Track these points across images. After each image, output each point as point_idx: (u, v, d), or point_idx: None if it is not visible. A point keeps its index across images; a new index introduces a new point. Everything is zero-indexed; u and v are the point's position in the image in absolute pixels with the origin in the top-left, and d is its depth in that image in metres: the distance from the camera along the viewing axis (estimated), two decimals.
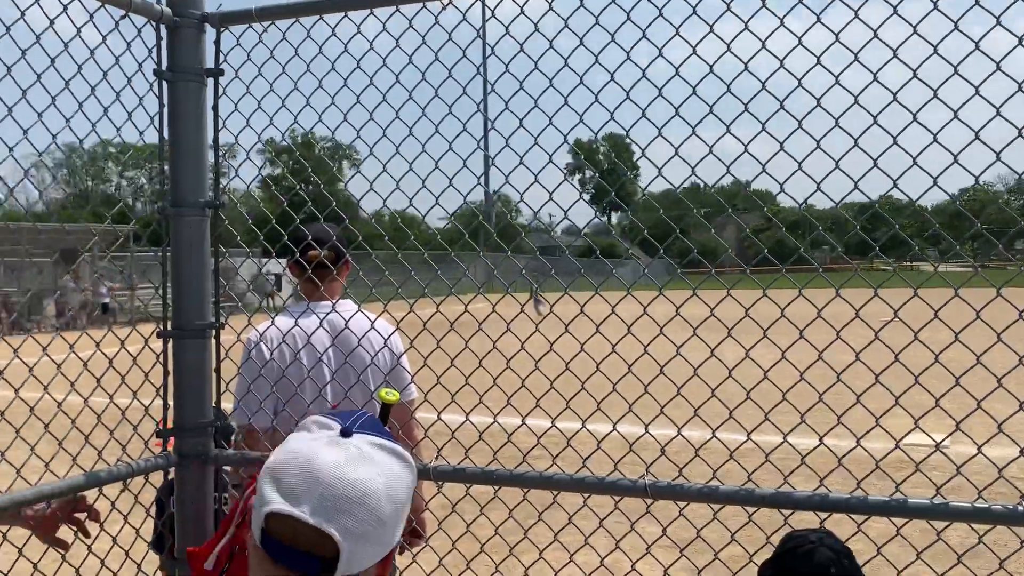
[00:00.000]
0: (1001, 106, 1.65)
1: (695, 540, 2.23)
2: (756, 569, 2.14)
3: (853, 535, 2.05)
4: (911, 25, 1.73)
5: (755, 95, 1.90)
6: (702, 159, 1.97)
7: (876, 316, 1.70)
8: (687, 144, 2.03)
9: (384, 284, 2.77)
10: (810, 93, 1.85)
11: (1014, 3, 1.75)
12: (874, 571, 2.06)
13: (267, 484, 1.14)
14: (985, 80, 1.67)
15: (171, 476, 2.40)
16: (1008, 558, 1.82)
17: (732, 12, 1.92)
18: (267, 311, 3.38)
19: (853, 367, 1.92)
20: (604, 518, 2.29)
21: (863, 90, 1.80)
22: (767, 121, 1.91)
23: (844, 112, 1.79)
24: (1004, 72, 1.67)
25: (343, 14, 2.25)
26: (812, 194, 1.90)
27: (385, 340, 3.03)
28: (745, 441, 2.00)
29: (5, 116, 2.06)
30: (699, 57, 1.91)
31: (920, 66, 1.71)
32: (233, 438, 3.21)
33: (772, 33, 1.87)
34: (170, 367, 2.35)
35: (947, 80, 1.71)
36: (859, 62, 1.81)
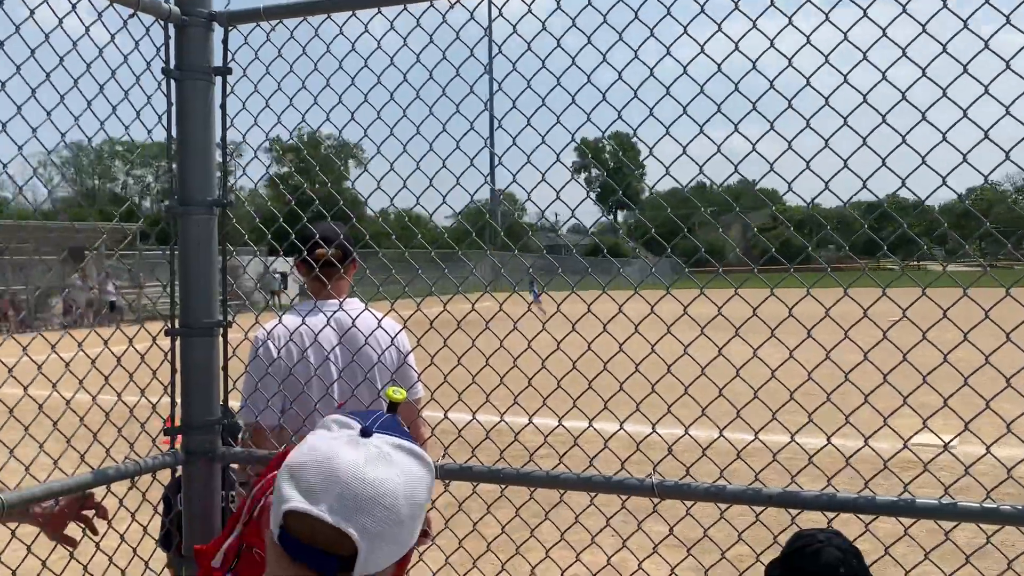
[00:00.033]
0: (1010, 105, 1.65)
1: (702, 539, 2.23)
2: (763, 568, 2.13)
3: (861, 535, 2.04)
4: (920, 24, 1.72)
5: (763, 94, 1.89)
6: (710, 158, 1.97)
7: (884, 316, 1.70)
8: (693, 143, 2.02)
9: (391, 283, 2.77)
10: (818, 92, 1.84)
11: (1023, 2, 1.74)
12: (882, 571, 2.05)
13: (286, 481, 1.14)
14: (995, 79, 1.66)
15: (178, 474, 2.41)
16: (1017, 558, 1.81)
17: (740, 11, 1.92)
18: (274, 309, 3.38)
19: (861, 367, 1.91)
20: (611, 517, 2.29)
21: (871, 89, 1.79)
22: (775, 120, 1.91)
23: (853, 111, 1.78)
24: (1013, 71, 1.66)
25: (351, 13, 2.25)
26: (820, 193, 1.89)
27: (392, 339, 3.03)
28: (752, 440, 1.99)
29: (15, 115, 2.07)
30: (707, 56, 1.91)
31: (929, 65, 1.71)
32: (240, 436, 3.22)
33: (780, 32, 1.87)
34: (178, 365, 2.35)
35: (956, 79, 1.71)
36: (868, 61, 1.80)
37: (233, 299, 2.45)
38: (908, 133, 1.76)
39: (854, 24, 1.79)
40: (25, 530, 2.14)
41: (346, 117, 2.29)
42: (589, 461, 2.10)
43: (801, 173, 1.84)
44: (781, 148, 1.90)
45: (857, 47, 1.78)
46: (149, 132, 2.37)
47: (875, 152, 1.77)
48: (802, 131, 1.86)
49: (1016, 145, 1.67)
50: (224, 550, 1.73)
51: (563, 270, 2.39)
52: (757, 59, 1.88)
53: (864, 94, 1.79)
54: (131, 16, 2.22)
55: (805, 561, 2.01)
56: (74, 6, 2.17)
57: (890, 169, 1.77)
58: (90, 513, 2.23)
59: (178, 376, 2.35)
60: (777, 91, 1.89)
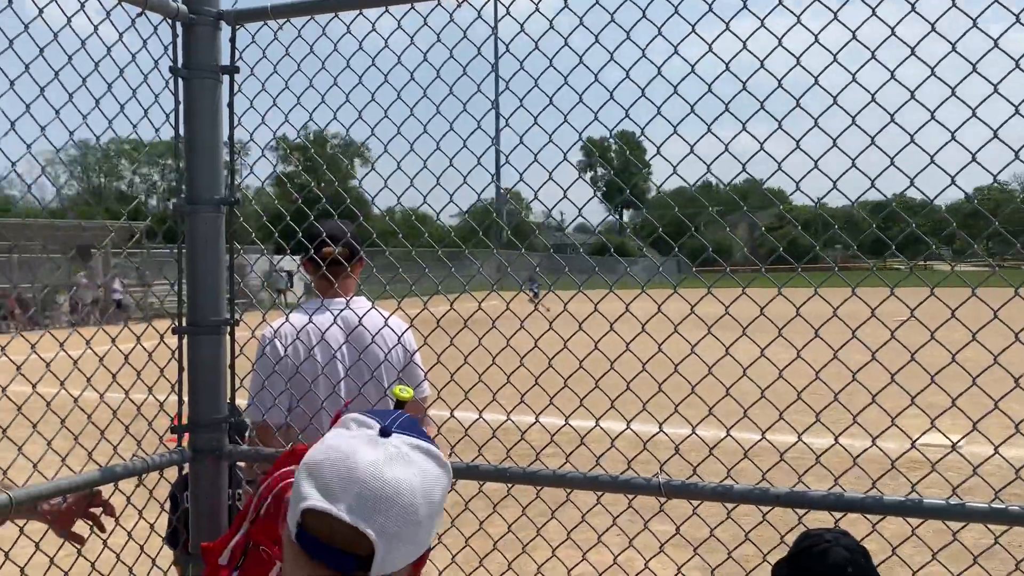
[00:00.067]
0: (1020, 104, 1.64)
1: (708, 539, 2.23)
2: (770, 568, 2.13)
3: (868, 535, 2.04)
4: (929, 23, 1.72)
5: (771, 93, 1.89)
6: (718, 157, 1.96)
7: (892, 315, 1.69)
8: (700, 142, 2.02)
9: (397, 281, 2.78)
10: (827, 91, 1.84)
11: None
12: (889, 571, 2.05)
13: (305, 479, 1.15)
14: (1004, 78, 1.66)
15: (185, 471, 2.41)
16: None
17: (748, 9, 1.91)
18: (281, 307, 3.39)
19: (869, 367, 1.91)
20: (617, 516, 2.29)
21: (880, 88, 1.78)
22: (784, 119, 1.90)
23: (861, 110, 1.78)
24: (1023, 70, 1.66)
25: (358, 12, 2.25)
26: (828, 192, 1.89)
27: (399, 337, 3.04)
28: (760, 440, 1.99)
29: (23, 113, 2.08)
30: (715, 55, 1.91)
31: (938, 64, 1.70)
32: (247, 434, 3.23)
33: (789, 30, 1.86)
34: (185, 363, 2.36)
35: (965, 78, 1.70)
36: (876, 60, 1.80)
37: (240, 297, 2.46)
38: (917, 132, 1.75)
39: (863, 23, 1.78)
40: (33, 527, 2.15)
41: (353, 116, 2.30)
42: (596, 460, 2.09)
43: (809, 172, 1.84)
44: (789, 147, 1.89)
45: (866, 46, 1.77)
46: (157, 131, 2.38)
47: (883, 151, 1.77)
48: (810, 130, 1.85)
49: None
50: (231, 548, 1.73)
51: (569, 269, 2.39)
52: (765, 58, 1.88)
53: (873, 93, 1.78)
54: (139, 15, 2.23)
55: (812, 561, 2.00)
56: (83, 5, 2.18)
57: (899, 169, 1.77)
58: (97, 510, 2.23)
59: (185, 374, 2.36)
60: (785, 90, 1.88)
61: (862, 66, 1.80)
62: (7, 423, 2.12)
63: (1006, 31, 1.69)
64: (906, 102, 1.77)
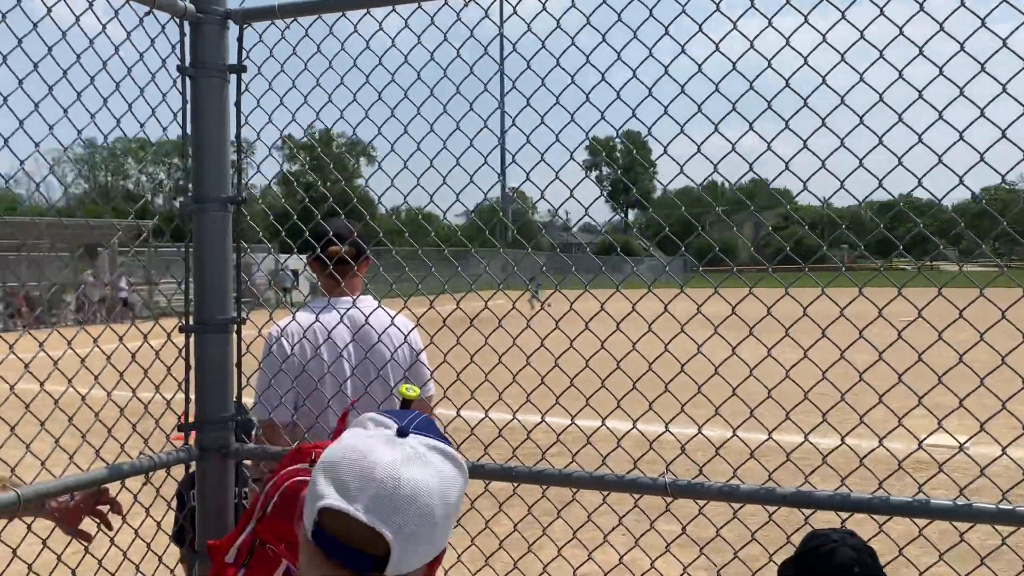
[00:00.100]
0: None
1: (714, 539, 2.23)
2: (776, 568, 2.13)
3: (874, 536, 2.03)
4: (937, 22, 1.71)
5: (778, 92, 1.88)
6: (725, 156, 1.96)
7: (899, 316, 1.69)
8: (707, 142, 2.02)
9: (403, 280, 2.78)
10: (834, 91, 1.83)
11: None
12: (895, 572, 2.05)
13: (322, 478, 1.15)
14: (1012, 78, 1.65)
15: (192, 470, 2.42)
16: None
17: (756, 9, 1.91)
18: (287, 306, 3.40)
19: (876, 367, 1.90)
20: (623, 516, 2.28)
21: (888, 88, 1.78)
22: (791, 119, 1.90)
23: (869, 110, 1.77)
24: None
25: (365, 11, 2.25)
26: (835, 192, 1.88)
27: (405, 336, 3.04)
28: (766, 440, 1.99)
29: (32, 112, 2.08)
30: (722, 54, 1.90)
31: (946, 64, 1.70)
32: (253, 432, 3.23)
33: (796, 30, 1.86)
34: (192, 361, 2.36)
35: (973, 78, 1.70)
36: (884, 59, 1.79)
37: (247, 296, 2.46)
38: (924, 132, 1.75)
39: (871, 23, 1.78)
40: (40, 524, 2.16)
41: (360, 115, 2.30)
42: (602, 460, 2.09)
43: (816, 172, 1.83)
44: (796, 147, 1.89)
45: (873, 45, 1.77)
46: (164, 129, 2.39)
47: (891, 151, 1.76)
48: (817, 130, 1.85)
49: None
50: (237, 546, 1.74)
51: (576, 268, 2.39)
52: (772, 57, 1.87)
53: (880, 93, 1.78)
54: (147, 14, 2.23)
55: (819, 561, 2.00)
56: (91, 4, 2.18)
57: (907, 168, 1.76)
58: (105, 508, 2.24)
59: (192, 372, 2.36)
60: (792, 90, 1.88)
61: (870, 66, 1.80)
62: (15, 421, 2.13)
63: (1015, 31, 1.68)
64: (914, 102, 1.76)
